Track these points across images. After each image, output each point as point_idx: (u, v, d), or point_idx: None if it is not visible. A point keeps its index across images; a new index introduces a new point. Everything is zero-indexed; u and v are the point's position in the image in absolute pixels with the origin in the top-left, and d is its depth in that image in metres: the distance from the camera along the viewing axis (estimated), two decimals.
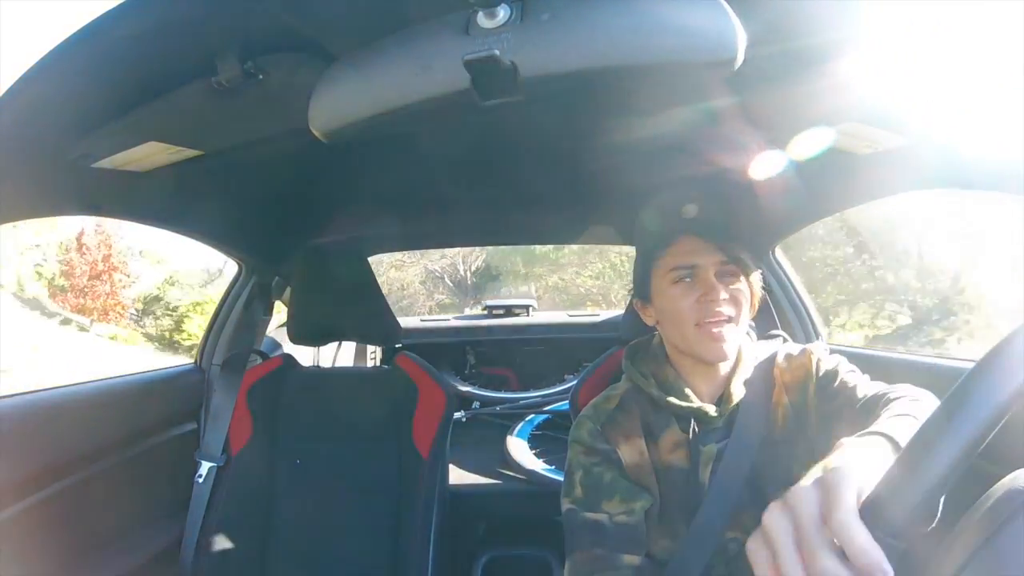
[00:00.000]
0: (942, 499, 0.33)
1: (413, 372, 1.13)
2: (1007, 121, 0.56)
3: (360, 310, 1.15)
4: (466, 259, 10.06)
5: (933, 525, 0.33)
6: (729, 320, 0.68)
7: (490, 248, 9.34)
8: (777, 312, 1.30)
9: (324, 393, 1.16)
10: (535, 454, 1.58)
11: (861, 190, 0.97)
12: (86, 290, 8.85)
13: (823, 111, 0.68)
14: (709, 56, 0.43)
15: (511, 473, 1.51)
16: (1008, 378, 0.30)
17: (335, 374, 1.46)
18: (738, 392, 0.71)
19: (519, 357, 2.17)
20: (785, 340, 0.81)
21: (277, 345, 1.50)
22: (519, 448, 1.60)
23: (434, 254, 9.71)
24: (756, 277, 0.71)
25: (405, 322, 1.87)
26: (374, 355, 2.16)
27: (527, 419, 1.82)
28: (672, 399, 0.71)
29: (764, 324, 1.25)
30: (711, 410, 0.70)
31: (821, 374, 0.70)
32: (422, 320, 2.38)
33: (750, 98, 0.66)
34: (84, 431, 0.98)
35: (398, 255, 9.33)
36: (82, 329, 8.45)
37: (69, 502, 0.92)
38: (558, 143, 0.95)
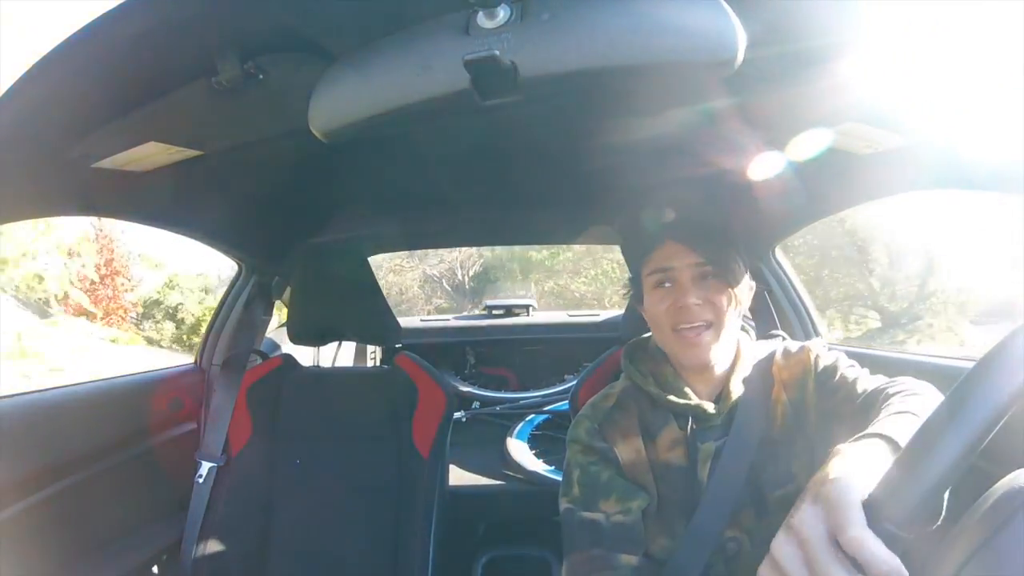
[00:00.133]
0: (946, 497, 0.33)
1: (413, 372, 1.13)
2: (1007, 121, 0.56)
3: (360, 310, 1.15)
4: (464, 264, 10.22)
5: (938, 523, 0.33)
6: (709, 325, 0.67)
7: (488, 253, 9.77)
8: (777, 312, 1.30)
9: (324, 393, 1.16)
10: (535, 455, 1.58)
11: (861, 190, 0.97)
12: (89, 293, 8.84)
13: (823, 111, 0.68)
14: (709, 56, 0.43)
15: (511, 474, 1.51)
16: (1009, 377, 0.30)
17: (335, 374, 1.46)
18: (737, 390, 0.71)
19: (519, 357, 2.17)
20: (785, 340, 0.81)
21: (276, 346, 1.50)
22: (519, 449, 1.60)
23: (432, 259, 9.88)
24: (741, 282, 0.70)
25: (405, 322, 1.87)
26: (374, 355, 2.16)
27: (527, 420, 1.82)
28: (670, 397, 0.71)
29: (764, 324, 1.26)
30: (709, 408, 0.69)
31: (820, 370, 0.70)
32: (422, 320, 2.38)
33: (750, 98, 0.66)
34: (84, 431, 0.98)
35: (397, 259, 9.53)
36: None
37: (69, 502, 0.92)
38: (558, 143, 0.95)
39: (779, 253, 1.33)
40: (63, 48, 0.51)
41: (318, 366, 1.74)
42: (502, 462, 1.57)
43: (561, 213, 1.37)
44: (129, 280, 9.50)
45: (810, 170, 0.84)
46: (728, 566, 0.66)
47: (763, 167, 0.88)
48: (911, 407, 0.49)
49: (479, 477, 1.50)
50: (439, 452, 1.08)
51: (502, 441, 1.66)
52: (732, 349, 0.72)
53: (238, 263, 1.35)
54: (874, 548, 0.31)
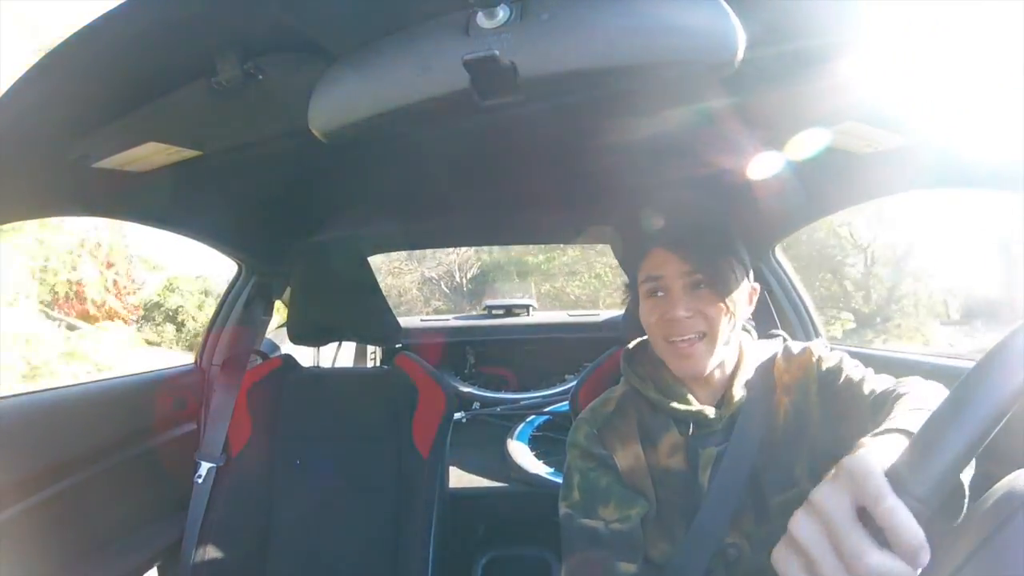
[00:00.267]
0: (967, 493, 0.33)
1: (413, 372, 1.13)
2: (1006, 121, 0.56)
3: (360, 310, 1.15)
4: (462, 267, 10.32)
5: (959, 520, 0.33)
6: (702, 336, 0.66)
7: (485, 257, 9.99)
8: (777, 312, 1.30)
9: (324, 393, 1.16)
10: (535, 456, 1.58)
11: (861, 190, 0.97)
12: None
13: (822, 111, 0.68)
14: (708, 56, 0.43)
15: (512, 475, 1.51)
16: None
17: (335, 374, 1.46)
18: (738, 395, 0.70)
19: (519, 357, 2.17)
20: (785, 340, 0.80)
21: (275, 347, 1.50)
22: (520, 451, 1.60)
23: (431, 261, 10.00)
24: (736, 289, 0.67)
25: (405, 322, 1.87)
26: (374, 355, 2.16)
27: (527, 421, 1.82)
28: (671, 403, 0.70)
29: (764, 324, 1.26)
30: (710, 413, 0.69)
31: (823, 372, 0.69)
32: (422, 320, 2.38)
33: (749, 98, 0.66)
34: (84, 431, 0.98)
35: (395, 262, 9.71)
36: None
37: (69, 502, 0.92)
38: (557, 143, 0.95)
39: (779, 253, 1.33)
40: (63, 48, 0.51)
41: (318, 366, 1.75)
42: (503, 464, 1.57)
43: (561, 213, 1.37)
44: (132, 282, 9.53)
45: (809, 170, 0.84)
46: (728, 571, 0.65)
47: (763, 167, 0.88)
48: (927, 404, 0.48)
49: (480, 478, 1.50)
50: (439, 452, 1.08)
51: (502, 442, 1.66)
52: (732, 355, 0.71)
53: (238, 263, 1.35)
54: (905, 518, 0.30)
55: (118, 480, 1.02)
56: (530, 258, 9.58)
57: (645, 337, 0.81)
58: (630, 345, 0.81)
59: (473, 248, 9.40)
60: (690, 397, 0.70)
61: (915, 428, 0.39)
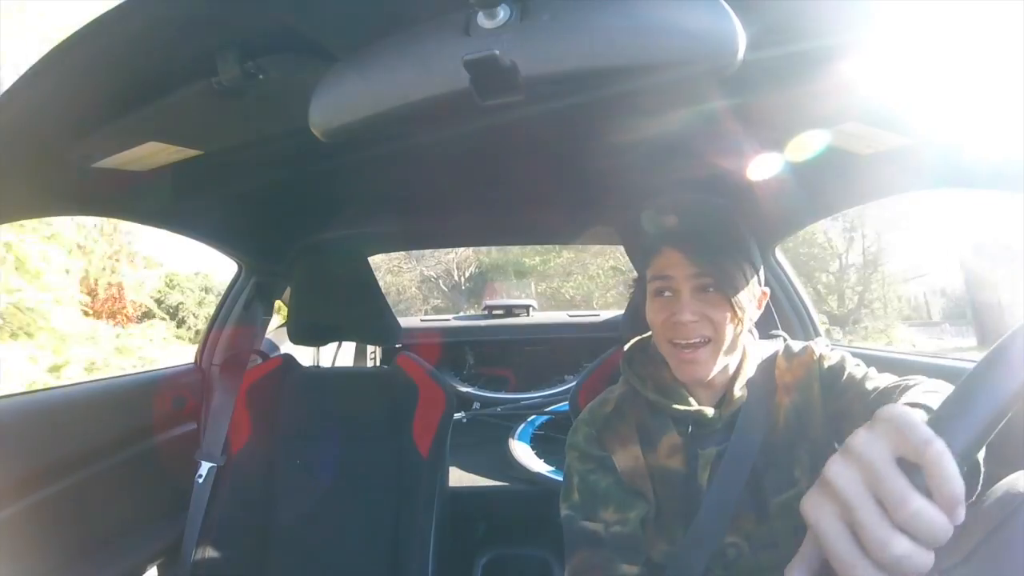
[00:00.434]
0: (983, 470, 0.33)
1: (413, 372, 1.13)
2: (1007, 120, 0.56)
3: (360, 310, 1.15)
4: (460, 266, 10.56)
5: (971, 499, 0.32)
6: (707, 341, 0.65)
7: (484, 258, 10.33)
8: (777, 312, 1.30)
9: (324, 393, 1.16)
10: (536, 454, 1.58)
11: (861, 190, 0.97)
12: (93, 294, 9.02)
13: (823, 111, 0.68)
14: (709, 57, 0.43)
15: (514, 475, 1.51)
16: None
17: (335, 374, 1.46)
18: (739, 395, 0.69)
19: (519, 357, 2.17)
20: (786, 340, 0.80)
21: (275, 347, 1.50)
22: (522, 451, 1.60)
23: (429, 260, 10.24)
24: (745, 292, 0.66)
25: (405, 322, 1.87)
26: (374, 355, 2.16)
27: (528, 421, 1.82)
28: (669, 403, 0.70)
29: (764, 324, 1.25)
30: (709, 413, 0.68)
31: (825, 371, 0.69)
32: (422, 320, 2.38)
33: (750, 99, 0.66)
34: (84, 431, 0.98)
35: (395, 261, 9.92)
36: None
37: (69, 502, 0.92)
38: (558, 143, 0.95)
39: (779, 253, 1.33)
40: (63, 48, 0.51)
41: (318, 366, 1.75)
42: (505, 464, 1.57)
43: (561, 213, 1.37)
44: (111, 276, 9.58)
45: (810, 170, 0.84)
46: (727, 571, 0.65)
47: (763, 167, 0.88)
48: (940, 390, 0.47)
49: (480, 478, 1.50)
50: (439, 452, 1.08)
51: (503, 442, 1.66)
52: (735, 357, 0.70)
53: (238, 263, 1.35)
54: (950, 466, 0.29)
55: (118, 480, 1.02)
56: (527, 260, 9.94)
57: (644, 336, 0.81)
58: (629, 345, 0.81)
59: (471, 248, 9.56)
60: (690, 398, 0.70)
61: (934, 405, 0.38)
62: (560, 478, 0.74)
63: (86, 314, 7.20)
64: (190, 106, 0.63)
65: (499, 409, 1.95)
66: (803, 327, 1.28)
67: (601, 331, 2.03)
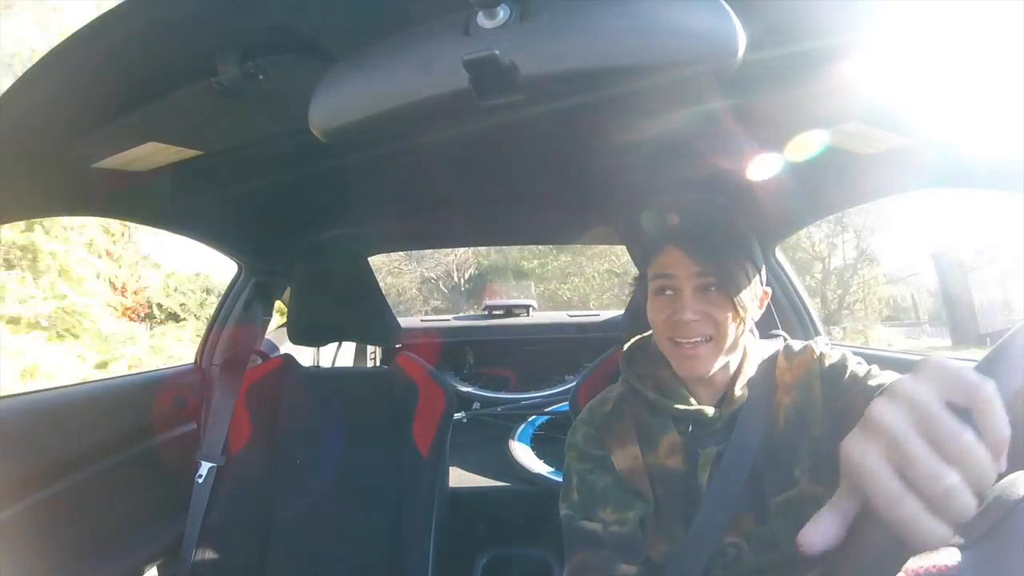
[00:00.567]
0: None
1: (413, 372, 1.13)
2: (1007, 121, 0.56)
3: (360, 310, 1.15)
4: (460, 267, 10.73)
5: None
6: (708, 339, 0.65)
7: (483, 261, 10.58)
8: (777, 312, 1.30)
9: (324, 393, 1.16)
10: (536, 455, 1.58)
11: (861, 190, 0.97)
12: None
13: (823, 111, 0.68)
14: (709, 58, 0.43)
15: (514, 476, 1.51)
16: None
17: (335, 374, 1.46)
18: (740, 394, 0.69)
19: (519, 357, 2.17)
20: (786, 340, 0.80)
21: (275, 347, 1.50)
22: (522, 452, 1.60)
23: (429, 261, 10.40)
24: (748, 293, 0.66)
25: (405, 322, 1.87)
26: (374, 355, 2.16)
27: (528, 421, 1.82)
28: (669, 402, 0.70)
29: (764, 324, 1.25)
30: (710, 412, 0.68)
31: (826, 370, 0.69)
32: (422, 320, 2.38)
33: (750, 99, 0.66)
34: (84, 431, 0.98)
35: (395, 262, 10.08)
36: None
37: (69, 502, 0.92)
38: (558, 143, 0.95)
39: (779, 253, 1.33)
40: (63, 48, 0.51)
41: (318, 366, 1.75)
42: (505, 465, 1.57)
43: (561, 213, 1.37)
44: (138, 281, 9.64)
45: (810, 170, 0.84)
46: (727, 571, 0.65)
47: (764, 167, 0.88)
48: None
49: (480, 478, 1.50)
50: (439, 452, 1.08)
51: (503, 442, 1.66)
52: (736, 356, 0.70)
53: (238, 263, 1.35)
54: (1000, 409, 0.28)
55: (118, 480, 1.02)
56: (525, 263, 10.28)
57: (644, 336, 0.81)
58: (629, 344, 0.81)
59: (471, 250, 9.66)
60: (690, 397, 0.70)
61: None
62: (560, 478, 0.74)
63: (121, 316, 7.74)
64: (190, 106, 0.63)
65: (499, 409, 1.95)
66: (803, 327, 1.28)
67: (601, 331, 2.03)
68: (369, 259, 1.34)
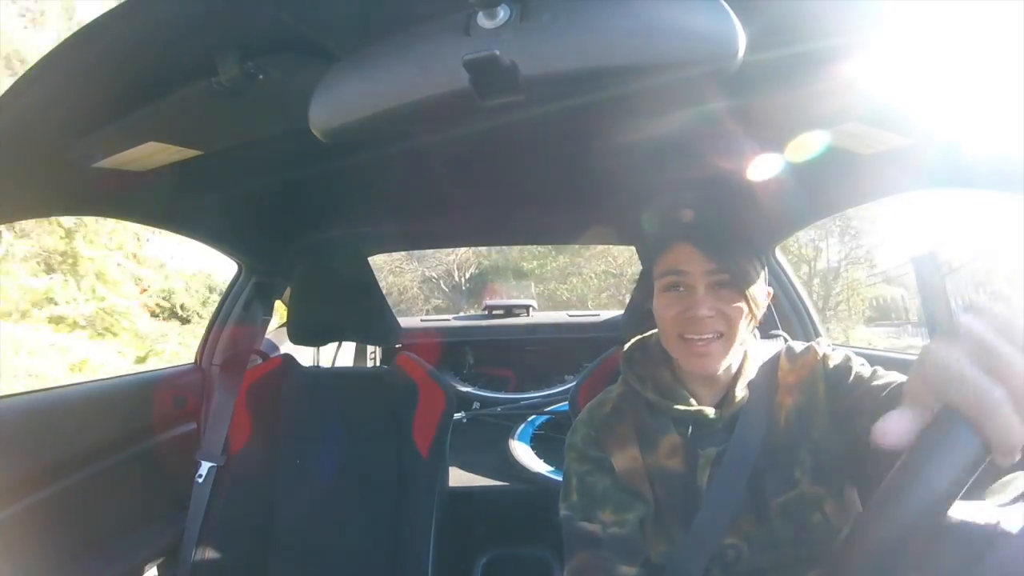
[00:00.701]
0: None
1: (413, 372, 1.13)
2: (1008, 121, 0.56)
3: (360, 310, 1.15)
4: (461, 267, 10.84)
5: None
6: (719, 336, 0.65)
7: (484, 261, 10.74)
8: (777, 312, 1.30)
9: (324, 393, 1.16)
10: (536, 454, 1.58)
11: (861, 190, 0.97)
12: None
13: (824, 111, 0.68)
14: (709, 58, 0.43)
15: (514, 475, 1.51)
16: None
17: (335, 374, 1.46)
18: (740, 395, 0.69)
19: (519, 357, 2.17)
20: (787, 340, 0.80)
21: (275, 347, 1.50)
22: (522, 451, 1.60)
23: (431, 261, 10.51)
24: (757, 289, 0.67)
25: (405, 322, 1.87)
26: (374, 355, 2.16)
27: (528, 420, 1.82)
28: (669, 403, 0.69)
29: (765, 324, 1.25)
30: (710, 413, 0.68)
31: (830, 371, 0.68)
32: (422, 320, 2.38)
33: (750, 99, 0.66)
34: (84, 431, 0.98)
35: (396, 261, 10.21)
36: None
37: (69, 501, 0.92)
38: (558, 143, 0.95)
39: (779, 253, 1.33)
40: (63, 48, 0.51)
41: (318, 366, 1.75)
42: (505, 464, 1.57)
43: (562, 213, 1.37)
44: (165, 279, 9.70)
45: (811, 170, 0.84)
46: (727, 573, 0.65)
47: (764, 167, 0.88)
48: None
49: (480, 478, 1.50)
50: (439, 452, 1.08)
51: (503, 442, 1.66)
52: (738, 356, 0.70)
53: (238, 263, 1.35)
54: None
55: (118, 480, 1.02)
56: (524, 264, 10.47)
57: (644, 336, 0.81)
58: (629, 344, 0.81)
59: (472, 249, 9.73)
60: (690, 398, 0.70)
61: None
62: (560, 478, 0.74)
63: (152, 316, 8.13)
64: (190, 106, 0.63)
65: (499, 409, 1.95)
66: (803, 327, 1.28)
67: (601, 331, 2.03)
68: (370, 258, 1.34)
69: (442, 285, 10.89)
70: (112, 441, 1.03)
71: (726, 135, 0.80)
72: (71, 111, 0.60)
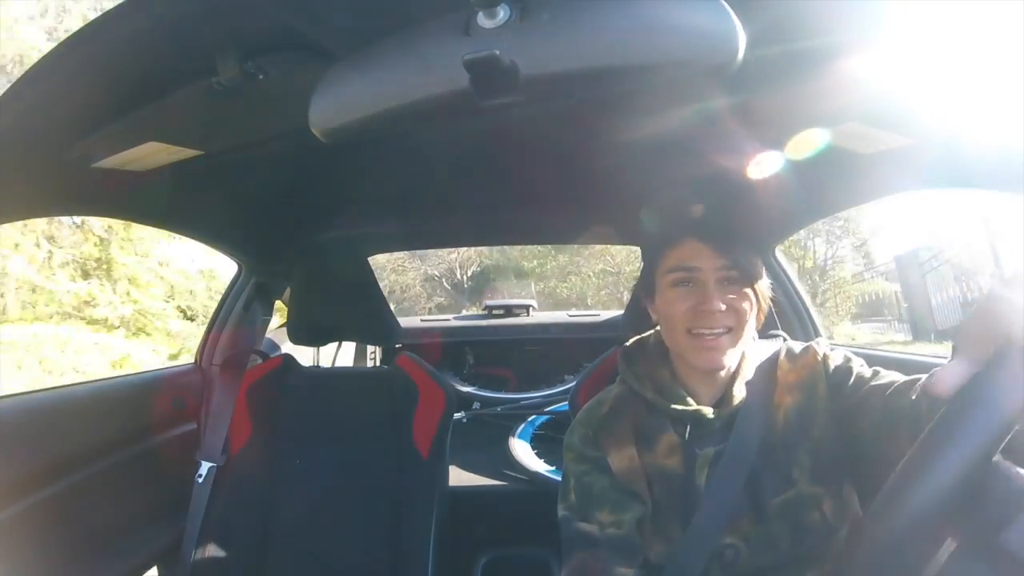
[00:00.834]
0: None
1: (413, 372, 1.13)
2: (1007, 121, 0.56)
3: (360, 310, 1.15)
4: (463, 265, 11.02)
5: None
6: (728, 330, 0.66)
7: (485, 258, 10.88)
8: (777, 312, 1.29)
9: (324, 393, 1.16)
10: (537, 454, 1.58)
11: (861, 190, 0.97)
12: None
13: (824, 111, 0.68)
14: (709, 57, 0.43)
15: (514, 474, 1.51)
16: None
17: (335, 374, 1.46)
18: (739, 394, 0.69)
19: (519, 357, 2.16)
20: (786, 340, 0.80)
21: (275, 347, 1.50)
22: (522, 450, 1.60)
23: (433, 259, 10.65)
24: (763, 284, 0.68)
25: (405, 322, 1.87)
26: (374, 355, 2.16)
27: (528, 420, 1.82)
28: (668, 403, 0.69)
29: (764, 324, 1.25)
30: (708, 413, 0.68)
31: (831, 371, 0.68)
32: (422, 320, 2.38)
33: (750, 98, 0.66)
34: (84, 431, 0.98)
35: (399, 259, 10.35)
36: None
37: (69, 502, 0.92)
38: (559, 143, 0.95)
39: (779, 253, 1.33)
40: (63, 48, 0.51)
41: (318, 366, 1.75)
42: (505, 464, 1.57)
43: (562, 213, 1.37)
44: (187, 280, 9.74)
45: (811, 170, 0.84)
46: (725, 572, 0.65)
47: (764, 166, 0.87)
48: None
49: (480, 478, 1.50)
50: (439, 452, 1.08)
51: (503, 442, 1.66)
52: (739, 355, 0.70)
53: (238, 263, 1.35)
54: None
55: (118, 480, 1.02)
56: (525, 263, 10.70)
57: (643, 335, 0.80)
58: (628, 344, 0.81)
59: (474, 248, 9.77)
60: (688, 398, 0.70)
61: None
62: (560, 477, 0.74)
63: (184, 318, 8.65)
64: (190, 106, 0.63)
65: (499, 409, 1.95)
66: (803, 327, 1.28)
67: (601, 331, 2.03)
68: (372, 257, 1.34)
69: (444, 283, 11.02)
70: (112, 441, 1.03)
71: (726, 134, 0.80)
72: (71, 111, 0.60)
